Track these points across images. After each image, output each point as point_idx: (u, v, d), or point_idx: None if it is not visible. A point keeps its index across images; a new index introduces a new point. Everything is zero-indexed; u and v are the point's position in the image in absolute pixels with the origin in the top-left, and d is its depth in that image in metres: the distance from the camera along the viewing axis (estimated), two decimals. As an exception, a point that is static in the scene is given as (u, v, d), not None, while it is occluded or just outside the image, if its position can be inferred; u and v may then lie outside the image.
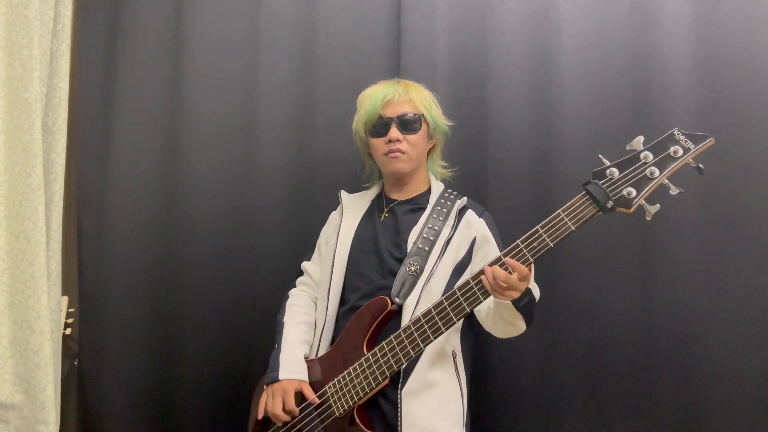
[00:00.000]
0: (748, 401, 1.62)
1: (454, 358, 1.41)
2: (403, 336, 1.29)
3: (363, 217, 1.53)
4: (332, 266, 1.48)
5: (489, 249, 1.43)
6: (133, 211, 1.95)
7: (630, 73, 1.74)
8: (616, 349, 1.70)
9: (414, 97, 1.47)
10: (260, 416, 1.41)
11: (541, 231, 1.20)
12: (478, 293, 1.24)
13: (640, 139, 1.20)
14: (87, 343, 1.93)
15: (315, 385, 1.39)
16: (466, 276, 1.39)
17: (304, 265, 1.62)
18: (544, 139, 1.77)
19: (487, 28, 1.82)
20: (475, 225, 1.46)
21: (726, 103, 1.68)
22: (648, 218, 1.18)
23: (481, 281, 1.23)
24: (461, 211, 1.47)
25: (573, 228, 1.19)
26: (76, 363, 1.93)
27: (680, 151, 1.17)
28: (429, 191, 1.53)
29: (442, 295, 1.33)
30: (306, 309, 1.55)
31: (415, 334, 1.28)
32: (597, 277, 1.72)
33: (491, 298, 1.26)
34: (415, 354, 1.28)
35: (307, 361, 1.44)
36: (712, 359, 1.64)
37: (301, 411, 1.38)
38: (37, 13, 1.68)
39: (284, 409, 1.37)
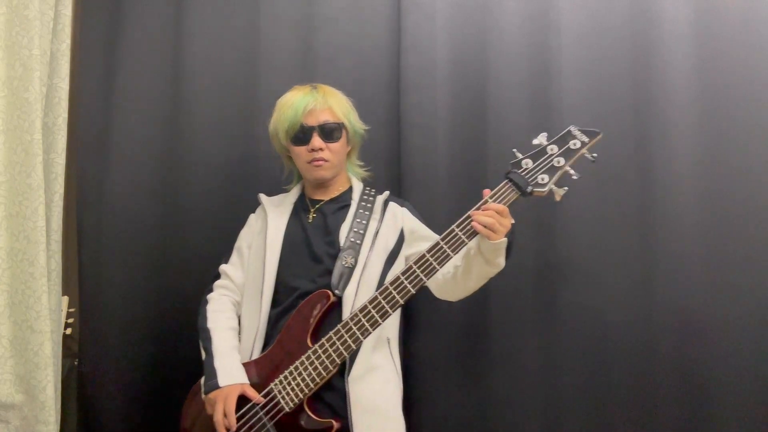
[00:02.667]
0: (749, 402, 1.62)
1: (389, 343, 1.50)
2: (351, 323, 1.36)
3: (289, 219, 1.57)
4: (263, 269, 1.50)
5: (420, 232, 1.55)
6: (133, 211, 1.95)
7: (630, 73, 1.74)
8: (616, 350, 1.70)
9: (333, 105, 1.52)
10: (186, 424, 1.45)
11: (488, 198, 1.36)
12: (449, 251, 1.34)
13: (544, 134, 1.40)
14: (87, 343, 1.93)
15: (257, 386, 1.41)
16: (399, 263, 1.53)
17: (223, 267, 1.62)
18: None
19: (487, 28, 1.82)
20: (399, 215, 1.56)
21: (726, 102, 1.68)
22: (557, 199, 1.36)
23: (449, 241, 1.34)
24: (384, 204, 1.56)
25: None
26: (76, 363, 1.93)
27: (578, 144, 1.38)
28: (351, 189, 1.60)
29: (378, 282, 1.47)
30: (229, 314, 1.55)
31: (363, 320, 1.35)
32: (597, 277, 1.72)
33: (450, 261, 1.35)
34: (363, 338, 1.36)
35: (246, 363, 1.45)
36: (712, 360, 1.64)
37: (246, 413, 1.39)
38: (37, 13, 1.67)
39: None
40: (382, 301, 1.36)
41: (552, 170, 1.37)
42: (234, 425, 1.38)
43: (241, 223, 1.90)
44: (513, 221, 1.36)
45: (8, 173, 1.66)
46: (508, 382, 1.74)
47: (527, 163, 1.38)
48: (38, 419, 1.64)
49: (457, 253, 1.35)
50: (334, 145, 1.52)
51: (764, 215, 1.65)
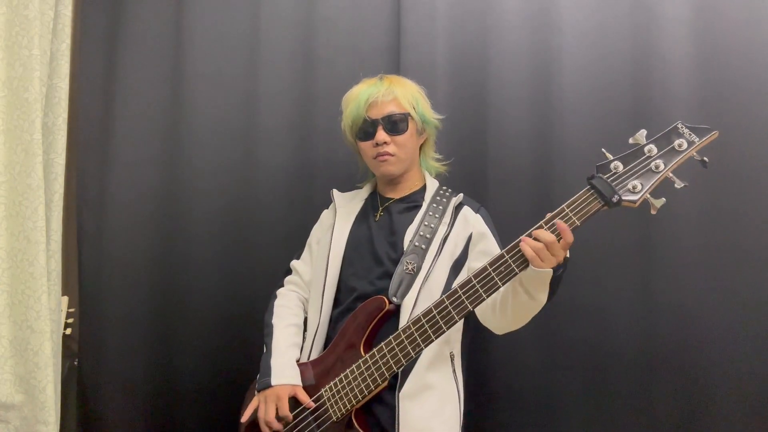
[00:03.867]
0: (748, 402, 1.62)
1: (452, 359, 1.38)
2: (403, 336, 1.26)
3: (357, 216, 1.50)
4: (326, 267, 1.44)
5: (486, 244, 1.40)
6: (133, 211, 1.95)
7: (630, 73, 1.74)
8: (616, 351, 1.70)
9: (399, 95, 1.43)
10: (244, 419, 1.38)
11: (545, 227, 1.17)
12: (497, 278, 1.19)
13: (643, 132, 1.18)
14: (87, 343, 1.93)
15: (309, 389, 1.35)
16: (464, 273, 1.38)
17: (294, 263, 1.58)
18: (545, 138, 1.77)
19: (487, 27, 1.82)
20: (471, 221, 1.43)
21: (726, 102, 1.68)
22: (653, 212, 1.16)
23: (501, 264, 1.19)
24: (457, 208, 1.45)
25: (578, 223, 1.16)
26: (76, 363, 1.93)
27: (684, 144, 1.15)
28: (424, 188, 1.50)
29: (442, 292, 1.32)
30: (295, 310, 1.51)
31: (416, 334, 1.24)
32: (596, 278, 1.71)
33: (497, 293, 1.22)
34: (415, 354, 1.25)
35: (300, 364, 1.41)
36: (711, 360, 1.64)
37: (295, 416, 1.34)
38: (37, 13, 1.68)
39: (277, 416, 1.34)
40: (437, 316, 1.23)
41: (648, 175, 1.15)
42: (290, 424, 1.34)
43: (240, 222, 1.91)
44: (569, 256, 1.20)
45: (8, 173, 1.66)
46: (509, 381, 1.74)
47: (617, 167, 1.16)
48: (38, 419, 1.64)
49: (506, 281, 1.19)
50: (399, 138, 1.42)
51: (764, 215, 1.64)
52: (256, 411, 1.38)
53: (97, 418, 1.90)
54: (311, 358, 1.41)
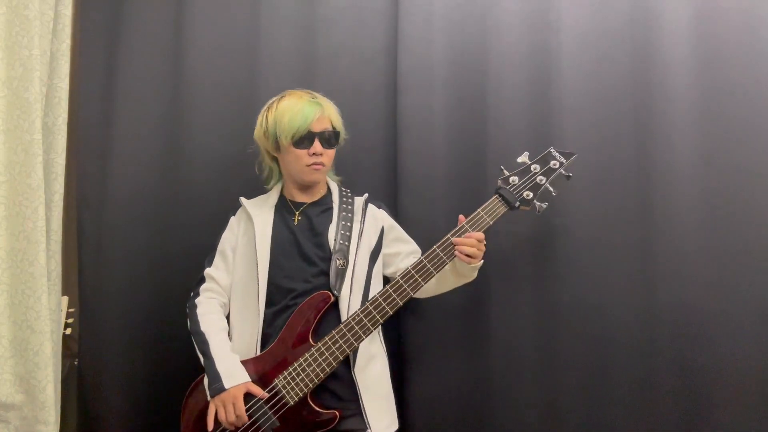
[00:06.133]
0: (750, 401, 1.62)
1: (379, 332, 1.62)
2: (353, 323, 1.47)
3: (274, 221, 1.63)
4: (256, 271, 1.56)
5: (396, 232, 1.69)
6: (133, 211, 1.95)
7: (630, 73, 1.74)
8: (617, 349, 1.70)
9: (331, 114, 1.62)
10: (211, 427, 1.48)
11: (466, 226, 1.51)
12: (431, 268, 1.49)
13: (526, 154, 1.56)
14: (87, 343, 1.93)
15: (258, 383, 1.49)
16: (380, 260, 1.65)
17: (209, 271, 1.66)
18: (544, 139, 1.76)
19: (485, 28, 1.82)
20: (379, 217, 1.68)
21: (726, 102, 1.68)
22: (538, 213, 1.54)
23: (434, 257, 1.49)
24: (365, 206, 1.66)
25: (490, 222, 1.52)
26: (76, 363, 1.93)
27: (557, 164, 1.55)
28: (330, 192, 1.69)
29: (366, 279, 1.58)
30: (220, 316, 1.61)
31: (365, 320, 1.47)
32: (597, 277, 1.72)
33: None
34: (365, 336, 1.48)
35: (245, 361, 1.52)
36: (712, 358, 1.64)
37: (250, 408, 1.47)
38: (37, 13, 1.68)
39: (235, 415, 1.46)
40: (373, 311, 1.48)
41: (535, 187, 1.54)
42: (246, 422, 1.47)
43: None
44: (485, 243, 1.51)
45: (8, 173, 1.66)
46: (509, 381, 1.74)
47: (514, 180, 1.55)
48: (38, 419, 1.64)
49: (439, 271, 1.50)
50: (330, 152, 1.62)
51: (764, 214, 1.65)
52: (197, 408, 1.54)
53: (97, 418, 1.90)
54: (253, 356, 1.53)
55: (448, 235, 1.50)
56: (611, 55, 1.75)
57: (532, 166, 1.56)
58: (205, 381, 1.51)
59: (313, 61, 1.92)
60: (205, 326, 1.57)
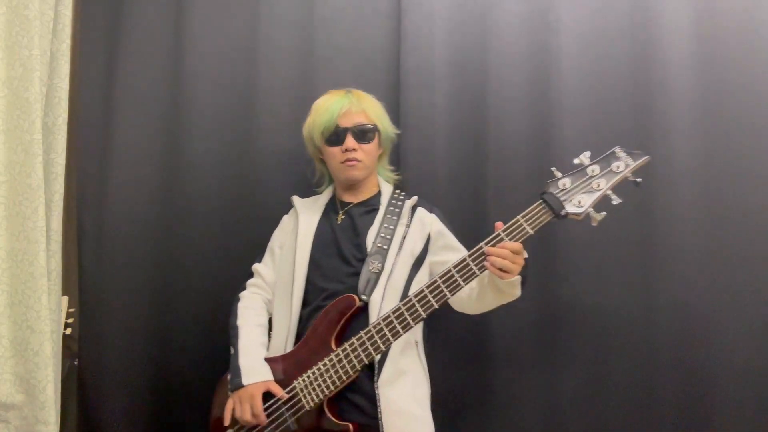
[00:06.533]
0: (750, 401, 1.62)
1: (417, 346, 1.52)
2: (373, 331, 1.37)
3: (320, 220, 1.60)
4: (293, 269, 1.53)
5: (446, 240, 1.55)
6: (133, 211, 1.95)
7: (630, 73, 1.74)
8: (616, 349, 1.70)
9: (367, 109, 1.56)
10: (227, 423, 1.45)
11: (502, 234, 1.32)
12: (460, 280, 1.33)
13: (587, 154, 1.34)
14: (87, 343, 1.93)
15: (282, 382, 1.44)
16: (425, 268, 1.54)
17: (256, 266, 1.65)
18: (544, 139, 1.77)
19: (486, 28, 1.82)
20: (427, 222, 1.57)
21: (726, 102, 1.68)
22: (593, 224, 1.30)
23: (463, 267, 1.33)
24: (413, 210, 1.57)
25: (531, 232, 1.31)
26: (76, 363, 1.93)
27: (621, 166, 1.31)
28: (380, 194, 1.62)
29: (404, 288, 1.48)
30: (259, 311, 1.59)
31: (385, 330, 1.37)
32: (598, 277, 1.72)
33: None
34: (384, 348, 1.37)
35: (272, 359, 1.49)
36: (713, 358, 1.64)
37: (270, 408, 1.43)
38: (37, 13, 1.67)
39: (253, 414, 1.42)
40: (405, 313, 1.36)
41: (590, 193, 1.31)
42: (264, 422, 1.42)
43: (240, 222, 1.91)
44: (527, 256, 1.33)
45: (8, 173, 1.66)
46: (509, 381, 1.74)
47: (564, 184, 1.33)
48: (38, 419, 1.64)
49: (468, 283, 1.34)
50: (366, 147, 1.56)
51: (764, 214, 1.65)
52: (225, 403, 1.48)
53: (97, 418, 1.90)
54: (284, 353, 1.49)
55: (482, 243, 1.33)
56: (611, 55, 1.76)
57: (590, 168, 1.32)
58: (229, 375, 1.49)
59: (313, 61, 1.92)
60: (240, 320, 1.55)
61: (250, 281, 1.65)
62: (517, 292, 1.38)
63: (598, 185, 1.31)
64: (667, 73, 1.70)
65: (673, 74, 1.70)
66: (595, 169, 1.32)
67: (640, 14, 1.74)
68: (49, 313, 1.68)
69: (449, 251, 1.53)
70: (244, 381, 1.43)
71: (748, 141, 1.66)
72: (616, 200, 1.30)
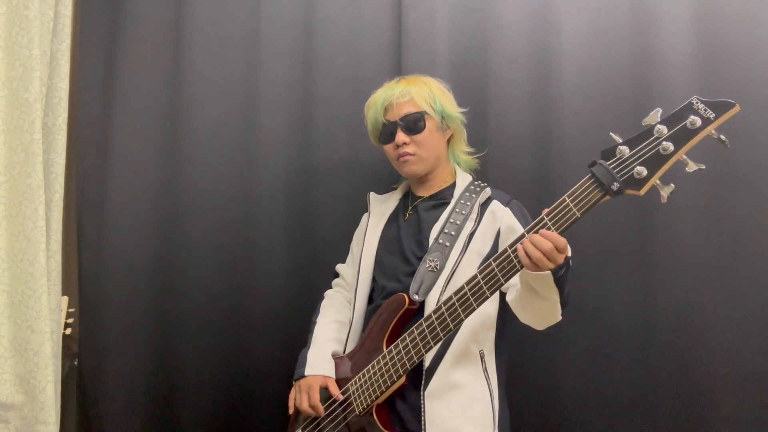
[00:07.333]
0: (748, 401, 1.62)
1: (482, 358, 1.35)
2: (416, 333, 1.25)
3: (389, 217, 1.53)
4: (359, 267, 1.49)
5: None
6: (133, 211, 1.95)
7: (630, 72, 1.74)
8: (616, 350, 1.70)
9: (414, 95, 1.43)
10: (291, 411, 1.44)
11: (546, 219, 1.11)
12: (500, 275, 1.15)
13: (658, 111, 1.06)
14: (87, 343, 1.93)
15: (342, 382, 1.39)
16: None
17: (338, 267, 1.65)
18: (545, 137, 1.77)
19: (487, 27, 1.82)
20: (499, 216, 1.40)
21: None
22: (663, 200, 1.06)
23: (501, 264, 1.17)
24: (485, 203, 1.42)
25: (578, 215, 1.08)
26: (76, 363, 1.93)
27: (699, 122, 1.01)
28: (454, 185, 1.49)
29: None
30: (339, 308, 1.56)
31: (426, 332, 1.23)
32: (597, 278, 1.71)
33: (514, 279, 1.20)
34: (425, 351, 1.24)
35: (337, 357, 1.45)
36: (712, 359, 1.64)
37: (328, 407, 1.39)
38: (37, 13, 1.67)
39: (309, 405, 1.38)
40: (435, 321, 1.22)
41: (656, 159, 1.03)
42: (321, 414, 1.38)
43: (240, 222, 1.92)
44: (569, 254, 1.14)
45: (8, 173, 1.66)
46: (508, 381, 1.74)
47: (622, 151, 1.05)
48: (38, 419, 1.64)
49: (508, 279, 1.16)
50: (418, 137, 1.42)
51: (764, 215, 1.64)
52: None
53: (97, 418, 1.90)
54: (348, 353, 1.46)
55: (524, 230, 1.14)
56: (611, 53, 1.75)
57: (656, 128, 1.03)
58: None
59: (313, 60, 1.92)
60: (319, 316, 1.53)
61: (335, 281, 1.64)
62: (554, 296, 1.17)
63: (666, 149, 1.02)
64: (667, 72, 1.70)
65: (672, 74, 1.70)
66: (663, 129, 1.03)
67: (641, 13, 1.74)
68: (49, 313, 1.68)
69: None
70: (306, 372, 1.40)
71: (748, 141, 1.66)
72: (692, 167, 1.02)
